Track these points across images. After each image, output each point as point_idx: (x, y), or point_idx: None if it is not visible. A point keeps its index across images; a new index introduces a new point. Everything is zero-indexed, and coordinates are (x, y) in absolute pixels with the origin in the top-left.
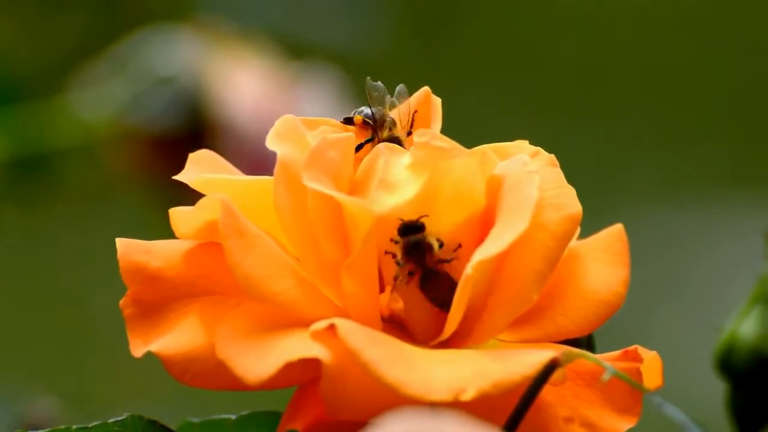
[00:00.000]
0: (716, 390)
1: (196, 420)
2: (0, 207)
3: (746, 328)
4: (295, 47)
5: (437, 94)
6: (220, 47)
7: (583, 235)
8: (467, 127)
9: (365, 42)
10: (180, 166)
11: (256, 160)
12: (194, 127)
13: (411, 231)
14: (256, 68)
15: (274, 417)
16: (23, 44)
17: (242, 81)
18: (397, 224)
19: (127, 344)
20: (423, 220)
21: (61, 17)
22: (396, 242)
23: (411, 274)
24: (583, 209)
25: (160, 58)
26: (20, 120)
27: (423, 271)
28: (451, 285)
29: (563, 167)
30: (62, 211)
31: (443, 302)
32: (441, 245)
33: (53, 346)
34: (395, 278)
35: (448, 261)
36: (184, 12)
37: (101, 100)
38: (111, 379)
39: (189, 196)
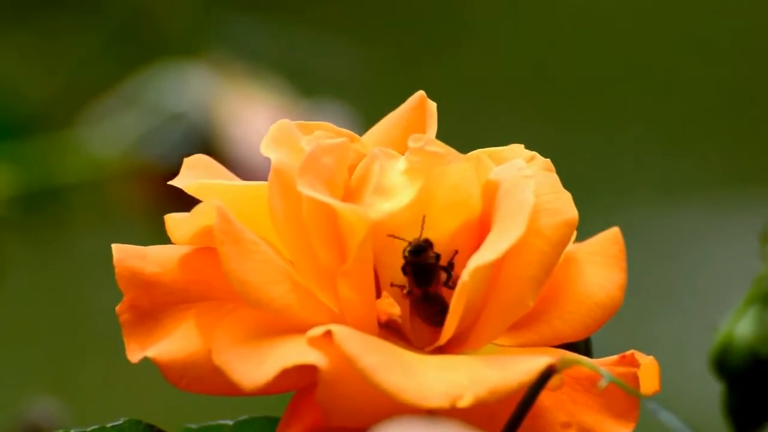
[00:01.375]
0: (714, 391)
1: (193, 425)
2: (7, 239)
3: (742, 328)
4: (305, 84)
5: (434, 100)
6: (231, 84)
7: (583, 238)
8: (464, 132)
9: (364, 66)
10: (188, 202)
11: None
12: None
13: (418, 252)
14: (266, 105)
15: (272, 422)
16: (34, 78)
17: (253, 117)
18: (391, 228)
19: (125, 348)
20: (426, 236)
21: (73, 52)
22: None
23: (410, 293)
24: (583, 212)
25: (170, 93)
26: (30, 154)
27: (421, 294)
28: (444, 307)
29: (562, 171)
30: (68, 238)
31: (433, 321)
32: (450, 267)
33: (53, 349)
34: (392, 284)
35: (452, 288)
36: (195, 48)
37: (111, 136)
38: (110, 383)
39: None
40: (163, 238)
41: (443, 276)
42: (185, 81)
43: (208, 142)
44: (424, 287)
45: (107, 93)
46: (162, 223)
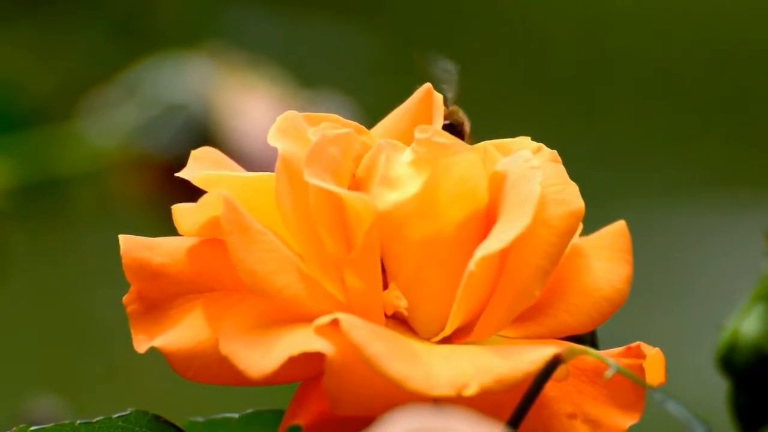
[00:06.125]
0: (719, 389)
1: (200, 419)
2: (8, 231)
3: (748, 326)
4: (304, 74)
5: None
6: (230, 74)
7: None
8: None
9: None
10: (189, 193)
11: None
12: None
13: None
14: (265, 96)
15: (278, 415)
16: (34, 70)
17: (252, 108)
18: (397, 219)
19: (129, 344)
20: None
21: (72, 43)
22: None
23: None
24: (585, 211)
25: (170, 84)
26: (30, 146)
27: None
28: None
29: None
30: (69, 229)
31: None
32: None
33: (54, 342)
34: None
35: None
36: (194, 38)
37: (111, 127)
38: (113, 377)
39: None
40: (163, 228)
41: None
42: (184, 72)
43: (207, 133)
44: None
45: (107, 84)
46: (162, 213)
